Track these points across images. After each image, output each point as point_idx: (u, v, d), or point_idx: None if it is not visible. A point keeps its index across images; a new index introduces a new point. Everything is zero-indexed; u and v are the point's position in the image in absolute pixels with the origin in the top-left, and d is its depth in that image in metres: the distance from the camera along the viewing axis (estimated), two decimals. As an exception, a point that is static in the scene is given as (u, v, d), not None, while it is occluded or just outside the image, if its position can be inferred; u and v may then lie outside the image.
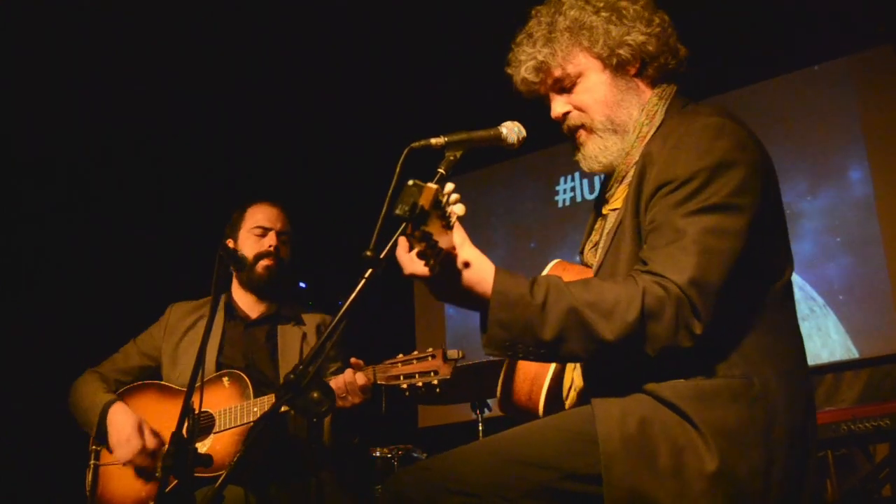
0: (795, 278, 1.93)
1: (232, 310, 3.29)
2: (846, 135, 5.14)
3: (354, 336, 2.71)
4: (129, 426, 3.00)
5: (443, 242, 1.57)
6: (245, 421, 2.88)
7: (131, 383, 3.22)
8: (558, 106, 2.04)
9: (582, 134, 2.03)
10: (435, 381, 2.73)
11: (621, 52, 1.97)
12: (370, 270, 1.59)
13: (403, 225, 1.50)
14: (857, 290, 4.97)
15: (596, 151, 2.01)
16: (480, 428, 3.97)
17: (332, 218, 5.94)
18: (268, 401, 2.87)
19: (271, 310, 3.30)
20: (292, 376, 1.61)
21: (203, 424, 2.91)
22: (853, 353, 4.94)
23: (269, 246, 3.24)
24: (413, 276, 1.67)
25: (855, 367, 4.90)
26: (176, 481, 2.47)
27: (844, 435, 3.66)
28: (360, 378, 2.78)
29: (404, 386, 2.75)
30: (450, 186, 1.61)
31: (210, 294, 3.21)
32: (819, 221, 5.14)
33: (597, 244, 2.05)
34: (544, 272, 2.08)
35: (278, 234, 3.27)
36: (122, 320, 3.60)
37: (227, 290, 3.33)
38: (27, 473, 4.63)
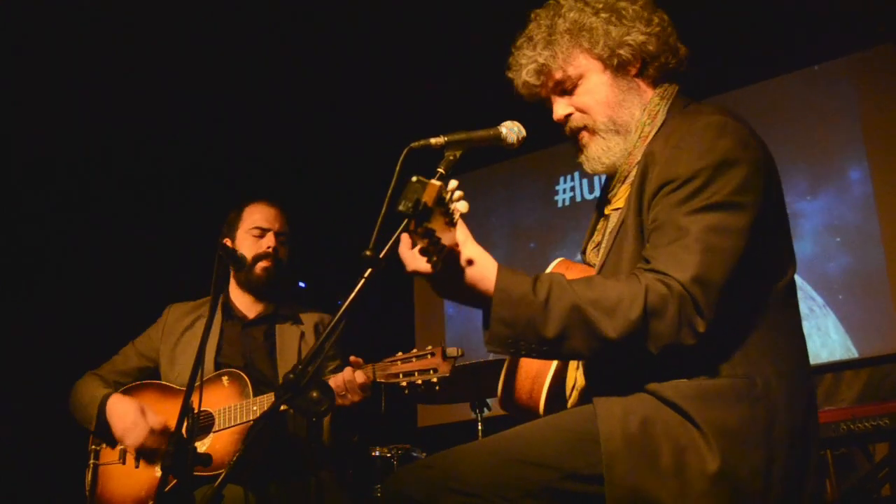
0: (795, 278, 1.93)
1: (229, 310, 3.28)
2: (846, 135, 5.14)
3: (354, 335, 2.71)
4: (131, 412, 3.01)
5: (446, 239, 1.57)
6: (245, 420, 2.88)
7: (130, 384, 3.22)
8: (560, 108, 2.04)
9: (584, 136, 2.04)
10: (434, 379, 2.73)
11: (621, 52, 1.97)
12: (369, 270, 1.59)
13: (406, 221, 1.50)
14: (857, 289, 4.97)
15: (599, 152, 2.01)
16: (480, 428, 3.97)
17: (332, 218, 5.94)
18: (267, 400, 2.86)
19: (269, 310, 3.30)
20: (291, 376, 1.62)
21: (203, 423, 2.91)
22: (853, 353, 4.94)
23: (268, 247, 3.23)
24: (415, 273, 1.67)
25: (854, 367, 4.90)
26: (175, 480, 2.48)
27: (844, 434, 3.66)
28: (360, 376, 2.77)
29: (404, 384, 2.75)
30: (453, 183, 1.61)
31: (208, 294, 3.24)
32: (819, 221, 5.14)
33: (599, 244, 2.05)
34: (547, 270, 2.08)
35: (276, 234, 3.26)
36: (120, 320, 3.61)
37: (225, 290, 3.33)
38: (27, 473, 4.63)
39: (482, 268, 1.70)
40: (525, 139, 1.88)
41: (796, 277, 1.91)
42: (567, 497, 1.73)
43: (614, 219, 1.99)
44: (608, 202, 2.07)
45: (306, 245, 3.66)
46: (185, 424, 2.27)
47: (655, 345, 1.68)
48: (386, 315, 5.87)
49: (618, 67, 1.99)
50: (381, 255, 1.60)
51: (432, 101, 5.63)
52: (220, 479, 1.68)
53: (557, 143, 5.15)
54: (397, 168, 1.65)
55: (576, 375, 1.99)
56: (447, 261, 1.63)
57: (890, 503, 3.88)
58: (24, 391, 4.60)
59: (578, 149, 2.06)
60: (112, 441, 3.07)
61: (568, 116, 2.04)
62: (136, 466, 3.03)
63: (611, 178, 2.06)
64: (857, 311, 4.96)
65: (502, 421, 2.00)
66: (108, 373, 3.24)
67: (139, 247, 5.29)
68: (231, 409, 2.92)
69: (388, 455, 3.95)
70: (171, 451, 2.18)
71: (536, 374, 2.03)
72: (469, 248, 1.69)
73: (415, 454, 3.98)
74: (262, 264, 3.22)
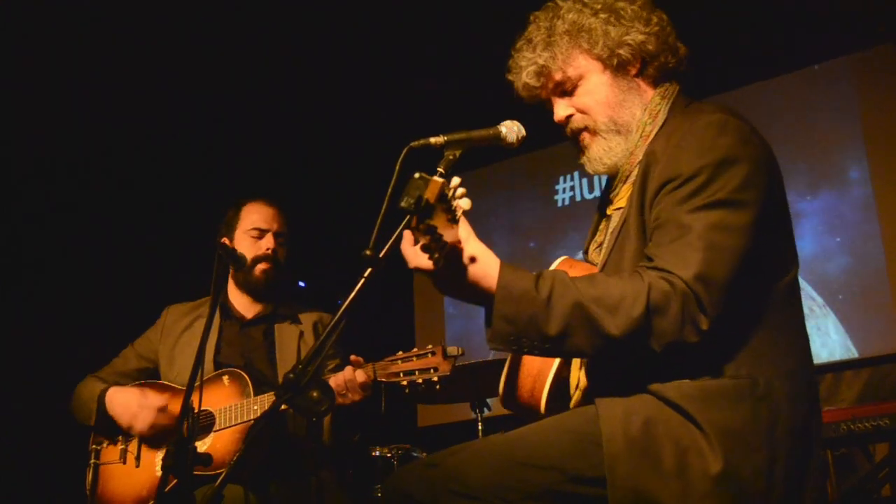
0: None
1: (227, 310, 3.28)
2: (846, 135, 5.14)
3: (354, 334, 2.71)
4: (133, 398, 3.02)
5: (448, 236, 1.57)
6: (245, 419, 2.88)
7: (131, 384, 3.22)
8: (561, 109, 2.04)
9: (585, 136, 2.03)
10: (435, 379, 2.73)
11: (621, 52, 1.97)
12: (369, 269, 1.59)
13: (408, 218, 1.50)
14: (857, 290, 4.97)
15: (600, 153, 2.01)
16: (480, 427, 3.97)
17: (332, 217, 5.94)
18: (268, 399, 2.86)
19: (267, 309, 3.29)
20: (291, 375, 1.61)
21: (203, 423, 2.91)
22: (853, 353, 4.94)
23: (267, 249, 3.21)
24: (417, 270, 1.66)
25: (854, 367, 4.90)
26: (176, 480, 2.48)
27: (844, 435, 3.66)
28: (360, 375, 2.77)
29: (404, 383, 2.75)
30: (456, 180, 1.60)
31: (206, 294, 3.24)
32: (819, 221, 5.14)
33: (601, 244, 2.05)
34: (551, 268, 2.08)
35: (275, 235, 3.25)
36: (119, 319, 3.61)
37: (223, 290, 3.31)
38: (27, 473, 4.63)
39: (484, 265, 1.69)
40: (525, 139, 1.87)
41: (796, 277, 1.91)
42: (569, 499, 1.73)
43: (616, 218, 1.98)
44: (610, 202, 2.06)
45: (306, 245, 3.66)
46: (185, 424, 2.27)
47: (658, 342, 1.68)
48: (386, 314, 5.87)
49: (617, 67, 1.99)
50: (381, 255, 1.60)
51: (432, 101, 5.63)
52: (220, 479, 1.68)
53: (557, 143, 5.14)
54: (397, 167, 1.65)
55: (579, 375, 1.99)
56: (449, 258, 1.63)
57: (890, 503, 3.88)
58: (24, 391, 4.60)
59: (580, 150, 2.06)
60: (113, 435, 3.07)
61: (569, 117, 2.04)
62: (137, 465, 3.03)
63: (612, 179, 2.06)
64: (857, 311, 4.96)
65: (502, 421, 2.00)
66: (108, 375, 3.24)
67: (138, 247, 5.29)
68: (232, 408, 2.91)
69: (389, 455, 3.95)
70: (172, 450, 2.17)
71: (538, 372, 2.03)
72: (471, 245, 1.68)
73: (415, 454, 3.98)
74: (261, 266, 3.21)
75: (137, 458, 3.03)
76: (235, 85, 5.38)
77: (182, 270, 4.47)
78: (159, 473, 2.95)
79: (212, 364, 3.09)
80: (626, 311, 1.66)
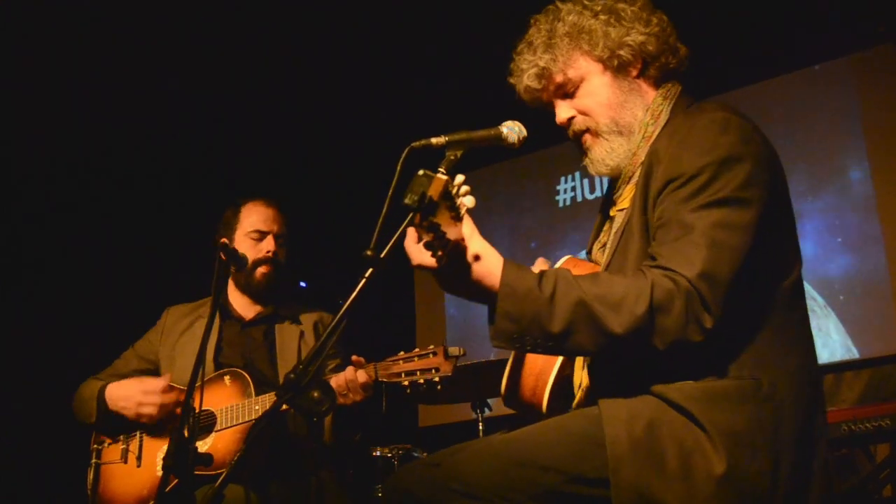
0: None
1: (228, 311, 3.27)
2: (846, 135, 5.14)
3: (355, 334, 2.71)
4: (133, 387, 3.02)
5: (451, 234, 1.56)
6: (247, 419, 2.88)
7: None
8: (562, 111, 2.04)
9: (588, 138, 2.03)
10: (436, 379, 2.73)
11: (622, 53, 1.97)
12: (371, 270, 1.59)
13: (411, 215, 1.50)
14: (858, 290, 4.97)
15: (603, 154, 2.01)
16: (481, 428, 3.97)
17: (333, 217, 5.94)
18: (269, 398, 2.86)
19: (267, 310, 3.29)
20: (292, 375, 1.61)
21: (205, 423, 2.91)
22: (853, 354, 4.94)
23: (268, 252, 3.20)
24: (420, 267, 1.66)
25: (855, 368, 4.90)
26: (176, 480, 2.48)
27: (845, 435, 3.66)
28: (362, 375, 2.77)
29: (406, 383, 2.75)
30: (460, 178, 1.60)
31: (206, 295, 3.24)
32: (819, 221, 5.14)
33: (605, 244, 2.05)
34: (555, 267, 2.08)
35: (276, 237, 3.24)
36: (120, 320, 3.61)
37: (223, 290, 3.30)
38: (27, 473, 4.63)
39: (488, 263, 1.69)
40: (526, 139, 1.87)
41: (798, 277, 1.91)
42: (571, 500, 1.73)
43: (619, 219, 1.98)
44: (613, 203, 2.06)
45: (306, 245, 3.66)
46: (186, 424, 2.27)
47: (662, 340, 1.67)
48: (387, 315, 5.87)
49: (618, 69, 1.99)
50: (382, 255, 1.59)
51: (432, 101, 5.63)
52: (221, 479, 1.68)
53: (558, 143, 5.15)
54: (398, 168, 1.65)
55: (582, 375, 1.99)
56: (452, 255, 1.63)
57: (891, 504, 3.88)
58: (24, 391, 4.60)
59: (582, 152, 2.06)
60: (115, 433, 3.07)
61: (570, 119, 2.04)
62: (138, 465, 3.03)
63: (615, 180, 2.06)
64: (858, 312, 4.96)
65: (503, 421, 2.00)
66: (108, 376, 3.24)
67: (138, 247, 5.29)
68: (233, 408, 2.91)
69: (389, 455, 3.95)
70: (173, 450, 2.17)
71: (540, 371, 2.03)
72: (475, 242, 1.68)
73: (416, 454, 3.98)
74: (261, 269, 3.20)
75: (138, 457, 3.03)
76: (235, 85, 5.38)
77: (182, 271, 4.47)
78: (160, 473, 2.95)
79: (212, 364, 3.09)
80: (630, 308, 1.66)
